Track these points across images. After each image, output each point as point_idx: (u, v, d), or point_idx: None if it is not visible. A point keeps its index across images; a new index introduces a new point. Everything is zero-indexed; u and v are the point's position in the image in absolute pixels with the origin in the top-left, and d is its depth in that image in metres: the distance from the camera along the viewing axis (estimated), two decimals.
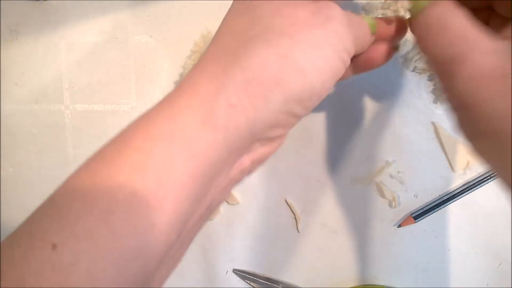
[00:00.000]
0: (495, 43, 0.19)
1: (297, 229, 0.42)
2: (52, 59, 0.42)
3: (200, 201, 0.20)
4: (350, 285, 0.42)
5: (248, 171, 0.23)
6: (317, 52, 0.20)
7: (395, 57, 0.40)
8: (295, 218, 0.41)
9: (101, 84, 0.42)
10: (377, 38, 0.26)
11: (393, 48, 0.28)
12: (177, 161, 0.18)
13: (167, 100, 0.20)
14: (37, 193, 0.42)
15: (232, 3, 0.23)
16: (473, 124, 0.20)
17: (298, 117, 0.21)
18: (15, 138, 0.42)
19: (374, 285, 0.42)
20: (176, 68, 0.41)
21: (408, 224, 0.41)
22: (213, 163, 0.19)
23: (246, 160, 0.22)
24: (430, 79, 0.40)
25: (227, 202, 0.42)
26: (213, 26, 0.39)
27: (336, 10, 0.21)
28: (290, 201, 0.41)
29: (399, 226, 0.41)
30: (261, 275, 0.41)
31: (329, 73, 0.21)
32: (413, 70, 0.40)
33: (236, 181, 0.23)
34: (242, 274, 0.41)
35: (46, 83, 0.42)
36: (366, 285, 0.42)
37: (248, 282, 0.41)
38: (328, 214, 0.42)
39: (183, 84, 0.21)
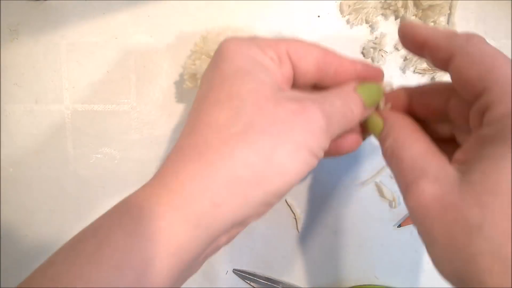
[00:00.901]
0: (441, 170, 0.20)
1: (297, 229, 0.42)
2: (52, 59, 0.42)
3: (177, 283, 0.21)
4: (350, 285, 0.42)
5: (223, 245, 0.24)
6: (296, 154, 0.21)
7: (395, 57, 0.40)
8: (295, 218, 0.41)
9: (101, 84, 0.42)
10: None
11: (364, 135, 0.29)
12: (158, 260, 0.19)
13: (151, 193, 0.21)
14: (37, 193, 0.42)
15: (212, 87, 0.23)
16: (424, 241, 0.20)
17: (273, 205, 0.23)
18: (15, 138, 0.42)
19: (374, 285, 0.42)
20: (176, 68, 0.41)
21: (408, 224, 0.41)
22: (194, 257, 0.21)
23: (223, 239, 0.23)
24: (431, 80, 0.40)
25: None
26: (213, 26, 0.39)
27: (315, 112, 0.22)
28: (290, 201, 0.41)
29: (399, 226, 0.41)
30: (261, 275, 0.41)
31: (306, 170, 0.22)
32: (413, 71, 0.40)
33: (210, 255, 0.24)
34: (242, 274, 0.41)
35: (46, 83, 0.42)
36: (366, 285, 0.42)
37: (248, 282, 0.41)
38: (328, 214, 0.42)
39: (164, 175, 0.21)
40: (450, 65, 0.21)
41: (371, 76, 0.26)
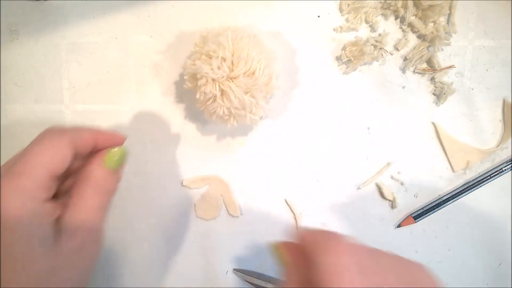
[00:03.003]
0: None
1: (297, 229, 0.42)
2: (52, 59, 0.42)
3: None
4: None
5: None
6: None
7: (395, 57, 0.40)
8: (295, 218, 0.41)
9: (101, 84, 0.42)
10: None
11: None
12: None
13: None
14: None
15: None
16: None
17: None
18: (15, 138, 0.42)
19: None
20: (176, 68, 0.41)
21: (408, 224, 0.41)
22: None
23: None
24: (430, 79, 0.40)
25: (229, 214, 0.42)
26: (213, 26, 0.39)
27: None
28: (290, 201, 0.41)
29: (399, 226, 0.41)
30: (261, 275, 0.41)
31: None
32: (413, 71, 0.40)
33: None
34: (242, 274, 0.41)
35: (46, 83, 0.42)
36: None
37: (248, 282, 0.41)
38: (328, 214, 0.42)
39: None
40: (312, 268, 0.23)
41: (113, 143, 0.31)
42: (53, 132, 0.28)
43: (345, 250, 0.22)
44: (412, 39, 0.39)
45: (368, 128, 0.40)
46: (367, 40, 0.38)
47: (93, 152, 0.31)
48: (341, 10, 0.39)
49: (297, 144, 0.41)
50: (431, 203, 0.40)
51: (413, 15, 0.38)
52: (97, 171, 0.30)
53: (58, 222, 0.28)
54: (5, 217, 0.25)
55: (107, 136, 0.31)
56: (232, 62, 0.33)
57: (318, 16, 0.40)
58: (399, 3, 0.38)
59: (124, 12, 0.41)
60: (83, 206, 0.28)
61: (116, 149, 0.31)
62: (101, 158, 0.30)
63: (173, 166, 0.42)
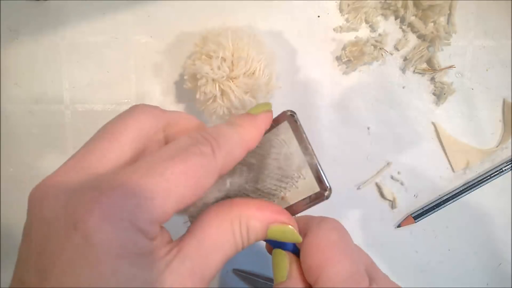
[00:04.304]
0: None
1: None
2: (52, 59, 0.42)
3: None
4: None
5: None
6: None
7: (395, 57, 0.40)
8: (295, 218, 0.41)
9: (101, 84, 0.42)
10: None
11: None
12: None
13: None
14: None
15: None
16: None
17: None
18: (15, 138, 0.42)
19: None
20: (176, 68, 0.41)
21: (408, 224, 0.41)
22: None
23: None
24: (430, 79, 0.40)
25: None
26: (213, 26, 0.39)
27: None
28: None
29: (399, 226, 0.41)
30: (261, 275, 0.41)
31: None
32: (413, 71, 0.40)
33: None
34: (242, 274, 0.41)
35: (46, 83, 0.42)
36: None
37: (248, 282, 0.41)
38: (328, 214, 0.41)
39: None
40: (301, 245, 0.23)
41: None
42: (204, 158, 0.19)
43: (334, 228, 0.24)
44: (412, 39, 0.39)
45: (368, 128, 0.40)
46: (367, 40, 0.38)
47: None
48: (341, 10, 0.39)
49: None
50: (431, 203, 0.40)
51: (413, 15, 0.38)
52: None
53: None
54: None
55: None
56: (232, 62, 0.33)
57: (318, 16, 0.40)
58: (399, 3, 0.38)
59: (124, 12, 0.41)
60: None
61: (290, 230, 0.24)
62: (273, 219, 0.23)
63: None
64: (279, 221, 0.23)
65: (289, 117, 0.25)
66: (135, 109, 0.22)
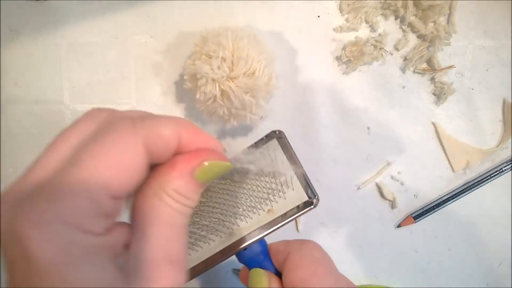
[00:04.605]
0: None
1: (297, 229, 0.42)
2: (52, 59, 0.42)
3: None
4: None
5: None
6: None
7: (395, 57, 0.40)
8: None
9: (101, 84, 0.42)
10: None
11: None
12: None
13: None
14: None
15: None
16: None
17: None
18: (15, 138, 0.42)
19: (374, 285, 0.42)
20: (176, 68, 0.41)
21: (408, 224, 0.41)
22: None
23: None
24: (430, 79, 0.40)
25: None
26: (213, 26, 0.39)
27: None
28: None
29: (399, 226, 0.41)
30: None
31: None
32: (413, 71, 0.40)
33: None
34: None
35: (46, 83, 0.42)
36: (366, 285, 0.42)
37: None
38: (328, 214, 0.42)
39: None
40: (284, 265, 0.25)
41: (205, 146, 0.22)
42: (121, 129, 0.19)
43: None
44: (412, 39, 0.39)
45: (368, 128, 0.40)
46: (367, 40, 0.38)
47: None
48: (341, 10, 0.39)
49: (297, 144, 0.41)
50: (431, 203, 0.40)
51: (413, 15, 0.38)
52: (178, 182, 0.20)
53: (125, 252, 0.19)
54: (40, 262, 0.15)
55: (199, 137, 0.21)
56: (232, 62, 0.33)
57: (318, 16, 0.40)
58: (399, 3, 0.38)
59: (124, 12, 0.41)
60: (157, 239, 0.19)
61: (220, 162, 0.21)
62: (190, 165, 0.20)
63: None
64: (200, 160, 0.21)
65: (277, 134, 0.28)
66: (82, 116, 0.22)
